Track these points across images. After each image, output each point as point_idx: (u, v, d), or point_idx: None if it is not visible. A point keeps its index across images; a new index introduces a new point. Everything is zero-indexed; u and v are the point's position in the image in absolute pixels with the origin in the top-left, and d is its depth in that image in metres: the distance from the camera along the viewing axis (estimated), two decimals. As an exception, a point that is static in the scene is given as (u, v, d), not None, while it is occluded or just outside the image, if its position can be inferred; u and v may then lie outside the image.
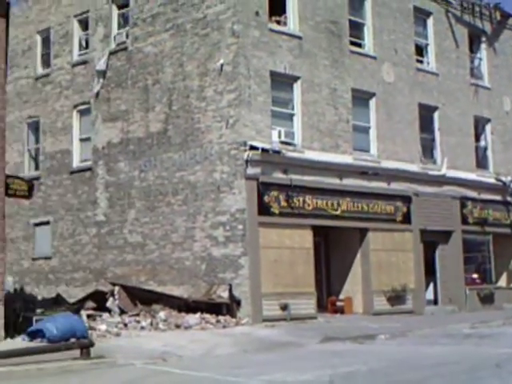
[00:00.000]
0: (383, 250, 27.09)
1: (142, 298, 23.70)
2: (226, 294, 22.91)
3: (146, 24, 26.89)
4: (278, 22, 25.59)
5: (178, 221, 25.17)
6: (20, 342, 17.26)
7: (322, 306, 26.02)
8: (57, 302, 24.93)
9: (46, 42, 31.33)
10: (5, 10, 18.08)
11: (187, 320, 21.69)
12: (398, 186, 27.99)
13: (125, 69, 27.51)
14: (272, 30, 24.88)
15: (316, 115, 25.84)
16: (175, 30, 25.89)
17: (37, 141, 31.51)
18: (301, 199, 24.79)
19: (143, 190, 26.47)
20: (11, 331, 18.07)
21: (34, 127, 31.59)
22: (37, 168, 31.27)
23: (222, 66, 24.18)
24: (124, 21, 28.24)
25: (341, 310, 26.26)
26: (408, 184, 28.32)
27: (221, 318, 22.31)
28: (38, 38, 31.72)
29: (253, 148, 23.42)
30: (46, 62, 31.44)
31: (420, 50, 30.64)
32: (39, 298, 27.02)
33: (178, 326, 21.32)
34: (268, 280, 23.50)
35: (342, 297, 26.84)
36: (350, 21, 27.55)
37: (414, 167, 28.73)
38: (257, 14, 24.33)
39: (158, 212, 25.88)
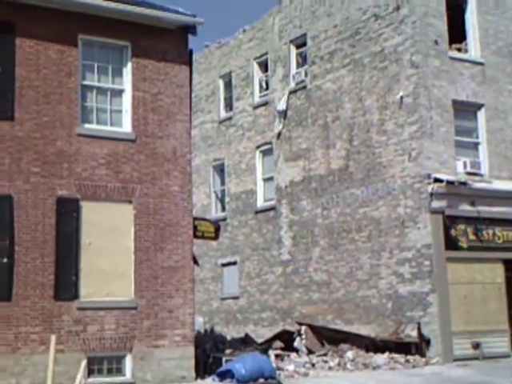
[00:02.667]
0: None
1: (329, 338, 23.42)
2: (414, 333, 22.17)
3: (324, 61, 26.96)
4: (459, 50, 24.84)
5: (362, 258, 24.78)
6: (210, 382, 17.48)
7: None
8: (245, 342, 25.10)
9: (228, 85, 32.15)
10: (188, 58, 18.65)
11: (375, 360, 21.17)
12: None
13: (304, 107, 27.66)
14: (452, 58, 24.14)
15: (503, 143, 24.73)
16: (353, 65, 25.77)
17: (222, 182, 32.25)
18: (490, 232, 23.69)
19: (326, 227, 26.33)
20: (202, 372, 18.34)
21: (220, 169, 32.37)
22: (223, 209, 31.96)
23: (401, 98, 23.73)
24: (302, 60, 28.47)
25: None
26: None
27: (410, 357, 21.58)
28: (221, 83, 32.61)
29: (437, 180, 22.70)
30: (228, 106, 32.25)
31: None
32: (228, 337, 27.35)
33: (365, 366, 20.83)
34: (458, 317, 22.54)
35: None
36: (536, 43, 26.31)
37: None
38: (436, 42, 23.73)
39: (342, 249, 25.61)
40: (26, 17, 16.34)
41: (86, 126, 17.02)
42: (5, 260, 15.55)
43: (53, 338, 14.23)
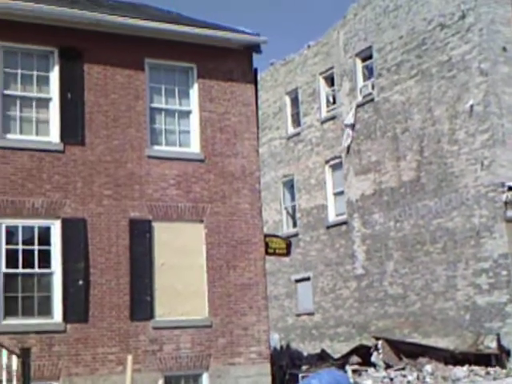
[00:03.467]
0: None
1: (407, 351, 23.13)
2: (494, 344, 21.74)
3: (391, 73, 26.79)
4: (528, 55, 24.43)
5: (437, 270, 24.43)
6: (287, 399, 17.44)
7: None
8: (322, 358, 25.00)
9: (295, 101, 32.21)
10: (253, 76, 18.76)
11: (455, 373, 20.81)
12: None
13: (373, 120, 27.51)
14: (522, 64, 23.77)
15: None
16: (421, 75, 25.54)
17: (293, 198, 32.26)
18: None
19: (400, 240, 26.06)
20: (278, 388, 18.32)
21: (290, 185, 32.39)
22: (294, 225, 31.93)
23: (471, 106, 23.42)
24: (368, 72, 28.36)
25: None
26: None
27: (490, 369, 21.16)
28: (287, 99, 32.70)
29: (511, 189, 22.30)
30: (295, 122, 32.29)
31: None
32: (304, 353, 27.26)
33: (445, 380, 20.49)
34: (539, 327, 22.03)
35: None
36: None
37: None
38: (504, 49, 23.37)
39: (416, 262, 25.30)
40: (93, 43, 16.68)
41: (156, 147, 17.25)
42: (80, 282, 15.82)
43: (129, 358, 14.44)
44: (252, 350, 17.41)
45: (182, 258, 16.97)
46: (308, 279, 30.47)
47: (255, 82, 18.86)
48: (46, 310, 15.70)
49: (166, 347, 16.51)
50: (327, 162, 29.94)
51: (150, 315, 16.47)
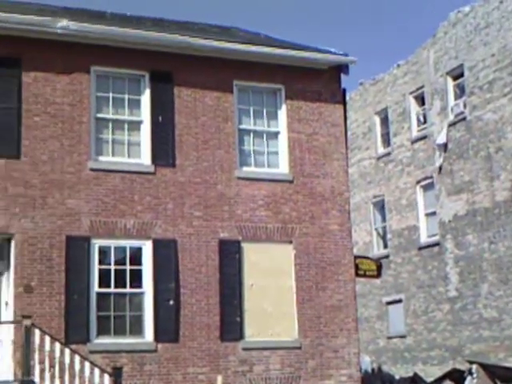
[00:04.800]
0: None
1: (502, 376, 22.50)
2: None
3: (483, 91, 26.27)
4: None
5: (534, 292, 23.72)
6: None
7: None
8: (414, 382, 24.56)
9: (385, 121, 31.93)
10: (341, 96, 18.69)
11: (553, 399, 20.11)
12: None
13: (465, 139, 27.01)
14: None
15: None
16: (514, 93, 24.98)
17: (383, 219, 31.89)
18: None
19: (494, 262, 25.40)
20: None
21: (380, 206, 32.05)
22: (385, 246, 31.55)
23: None
24: (460, 91, 27.88)
25: None
26: None
27: None
28: (377, 119, 32.45)
29: None
30: (385, 141, 32.00)
31: None
32: (396, 377, 26.81)
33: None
34: None
35: None
36: None
37: None
38: None
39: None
40: (183, 66, 16.96)
41: (245, 169, 17.35)
42: (171, 302, 15.99)
43: (219, 378, 14.51)
44: (342, 373, 17.23)
45: (270, 278, 16.95)
46: (399, 301, 30.00)
47: (344, 102, 18.79)
48: (137, 329, 15.94)
49: (256, 368, 16.49)
50: (418, 182, 29.51)
51: (240, 336, 16.50)
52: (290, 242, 17.36)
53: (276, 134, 17.90)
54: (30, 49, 15.87)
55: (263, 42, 18.73)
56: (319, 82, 18.27)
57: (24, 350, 13.82)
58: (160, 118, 16.63)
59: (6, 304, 15.23)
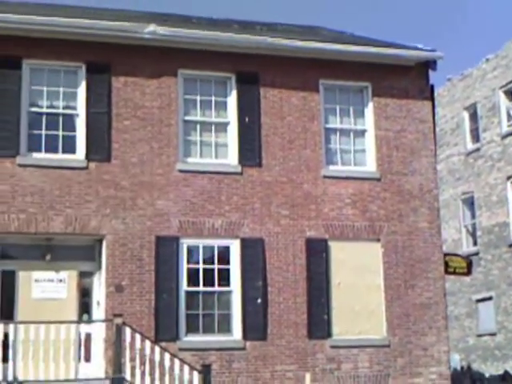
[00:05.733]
0: None
1: None
2: None
3: None
4: None
5: None
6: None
7: None
8: (505, 380, 24.11)
9: (474, 117, 31.40)
10: (429, 93, 18.49)
11: None
12: None
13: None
14: None
15: None
16: None
17: (473, 216, 31.37)
18: None
19: None
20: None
21: (469, 202, 31.53)
22: (475, 243, 31.03)
23: None
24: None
25: None
26: None
27: None
28: (466, 114, 31.93)
29: None
30: (474, 137, 31.45)
31: None
32: (486, 375, 26.37)
33: None
34: None
35: None
36: None
37: None
38: None
39: None
40: (269, 67, 17.06)
41: (331, 167, 17.35)
42: (259, 301, 16.15)
43: (307, 375, 14.60)
44: (432, 371, 17.08)
45: (358, 277, 16.94)
46: (490, 299, 29.47)
47: (432, 99, 18.57)
48: (225, 327, 16.15)
49: (344, 366, 16.51)
50: (509, 177, 28.91)
51: (328, 334, 16.54)
52: (378, 240, 17.29)
53: (363, 132, 17.85)
54: (119, 54, 16.28)
55: (348, 40, 18.69)
56: (406, 79, 18.12)
57: (115, 347, 14.15)
58: (246, 119, 16.80)
59: (98, 303, 15.67)
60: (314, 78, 17.44)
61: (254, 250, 16.36)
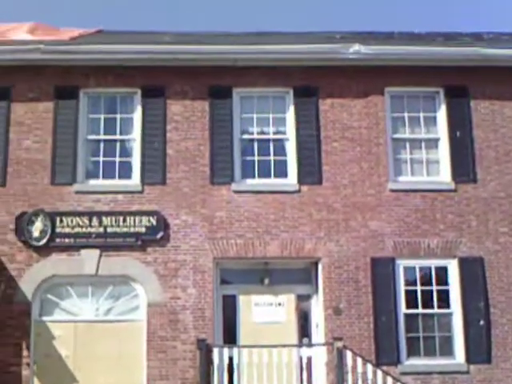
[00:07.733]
0: None
1: None
2: None
3: None
4: None
5: None
6: None
7: None
8: None
9: None
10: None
11: None
12: None
13: None
14: None
15: None
16: None
17: None
18: None
19: None
20: None
21: None
22: None
23: None
24: None
25: None
26: None
27: None
28: None
29: None
30: None
31: None
32: None
33: None
34: None
35: None
36: None
37: None
38: None
39: None
40: (477, 79, 16.46)
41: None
42: (481, 322, 15.51)
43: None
44: None
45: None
46: None
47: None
48: (447, 350, 15.62)
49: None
50: None
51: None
52: None
53: None
54: (325, 76, 16.28)
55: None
56: None
57: (337, 371, 14.08)
58: (458, 134, 16.29)
59: (317, 326, 15.61)
60: (525, 87, 16.68)
61: (473, 270, 15.73)
